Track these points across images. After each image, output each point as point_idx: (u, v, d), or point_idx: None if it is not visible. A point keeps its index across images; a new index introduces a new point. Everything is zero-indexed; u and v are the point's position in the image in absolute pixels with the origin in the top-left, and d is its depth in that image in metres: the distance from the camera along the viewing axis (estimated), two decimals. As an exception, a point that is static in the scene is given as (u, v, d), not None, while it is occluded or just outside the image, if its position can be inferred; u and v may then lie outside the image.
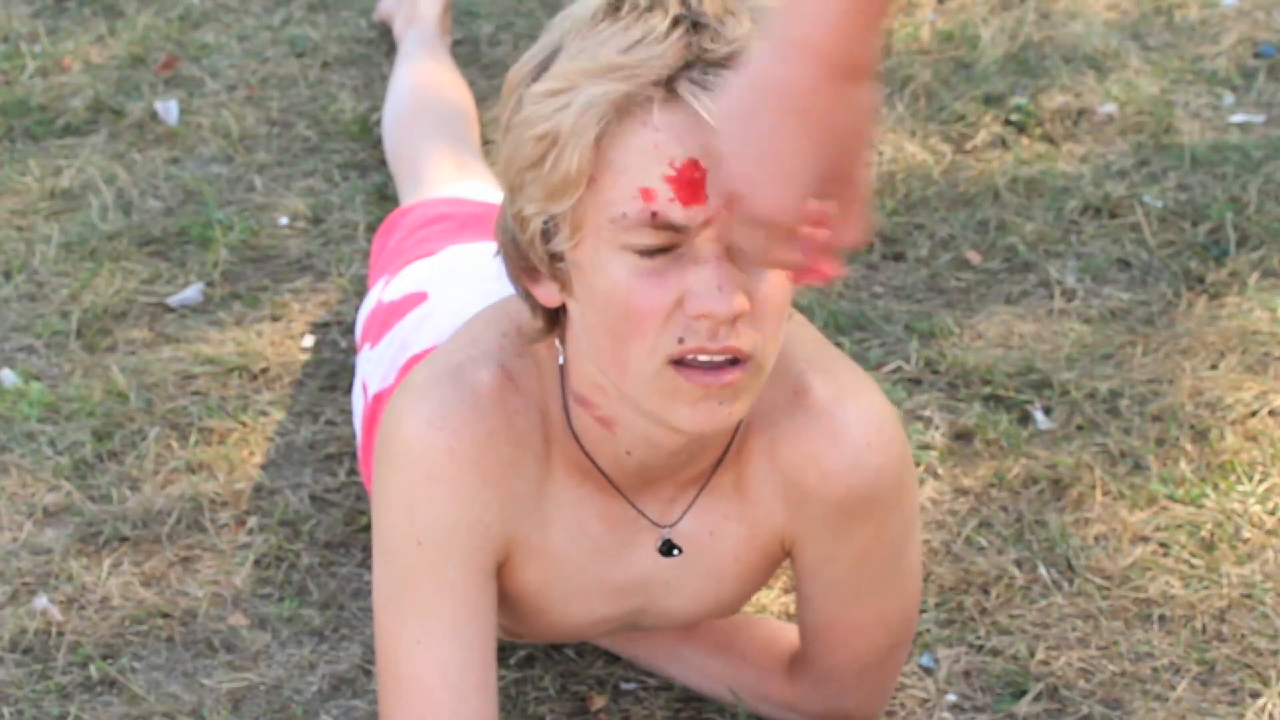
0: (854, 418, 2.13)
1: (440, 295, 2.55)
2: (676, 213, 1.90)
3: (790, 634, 2.43)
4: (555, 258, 1.98)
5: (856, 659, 2.31)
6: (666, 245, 1.92)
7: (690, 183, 1.89)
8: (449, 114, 3.41)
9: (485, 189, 3.10)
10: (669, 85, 1.90)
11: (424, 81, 3.50)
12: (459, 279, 2.55)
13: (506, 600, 2.25)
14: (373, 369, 2.59)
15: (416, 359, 2.40)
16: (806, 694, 2.38)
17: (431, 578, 2.12)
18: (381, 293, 2.72)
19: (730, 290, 1.91)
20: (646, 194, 1.90)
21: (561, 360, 2.08)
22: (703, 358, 1.94)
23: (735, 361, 1.95)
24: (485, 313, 2.18)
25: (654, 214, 1.90)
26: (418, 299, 2.60)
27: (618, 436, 2.09)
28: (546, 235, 1.97)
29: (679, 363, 1.95)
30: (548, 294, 2.03)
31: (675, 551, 2.19)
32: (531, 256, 1.99)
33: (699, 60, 1.89)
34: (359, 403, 2.65)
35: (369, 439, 2.55)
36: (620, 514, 2.18)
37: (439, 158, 3.22)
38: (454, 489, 2.10)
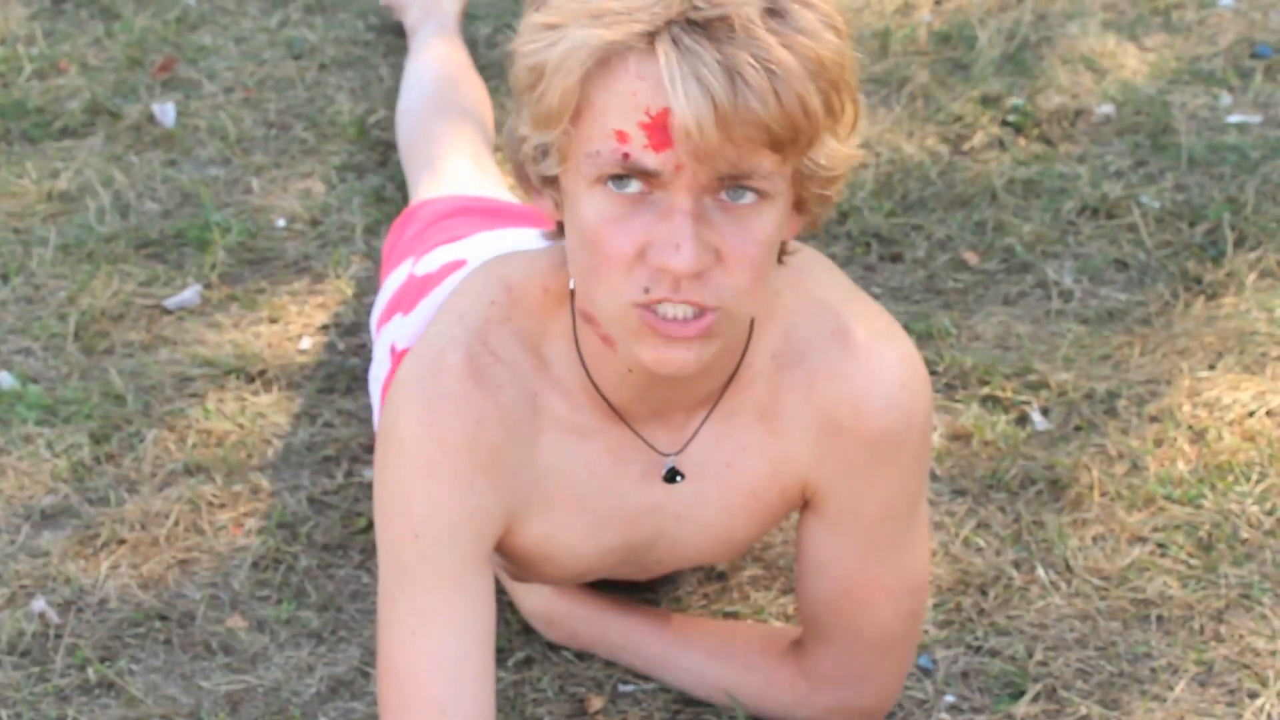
0: (890, 359, 2.18)
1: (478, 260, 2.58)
2: (649, 159, 1.93)
3: (789, 633, 2.43)
4: (549, 180, 2.03)
5: (881, 627, 2.31)
6: (636, 175, 1.95)
7: (663, 128, 1.93)
8: (471, 109, 3.42)
9: (499, 190, 3.12)
10: (651, 38, 1.93)
11: (449, 74, 3.50)
12: (497, 251, 2.56)
13: (511, 555, 2.27)
14: (404, 332, 2.61)
15: None
16: (821, 685, 2.38)
17: (428, 569, 2.14)
18: (413, 268, 2.74)
19: (691, 248, 1.94)
20: (621, 136, 1.94)
21: (573, 284, 2.13)
22: (668, 310, 1.98)
23: (704, 312, 1.98)
24: (475, 279, 2.21)
25: (626, 155, 1.94)
26: (456, 265, 2.63)
27: (619, 355, 2.12)
28: (538, 159, 2.02)
29: (645, 307, 1.99)
30: (547, 208, 2.08)
31: (679, 478, 2.21)
32: (529, 174, 2.05)
33: (683, 17, 1.92)
34: (383, 369, 2.65)
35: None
36: (629, 443, 2.20)
37: (459, 152, 3.24)
38: (449, 481, 2.13)
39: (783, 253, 2.10)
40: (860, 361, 2.17)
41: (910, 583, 2.30)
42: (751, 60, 1.89)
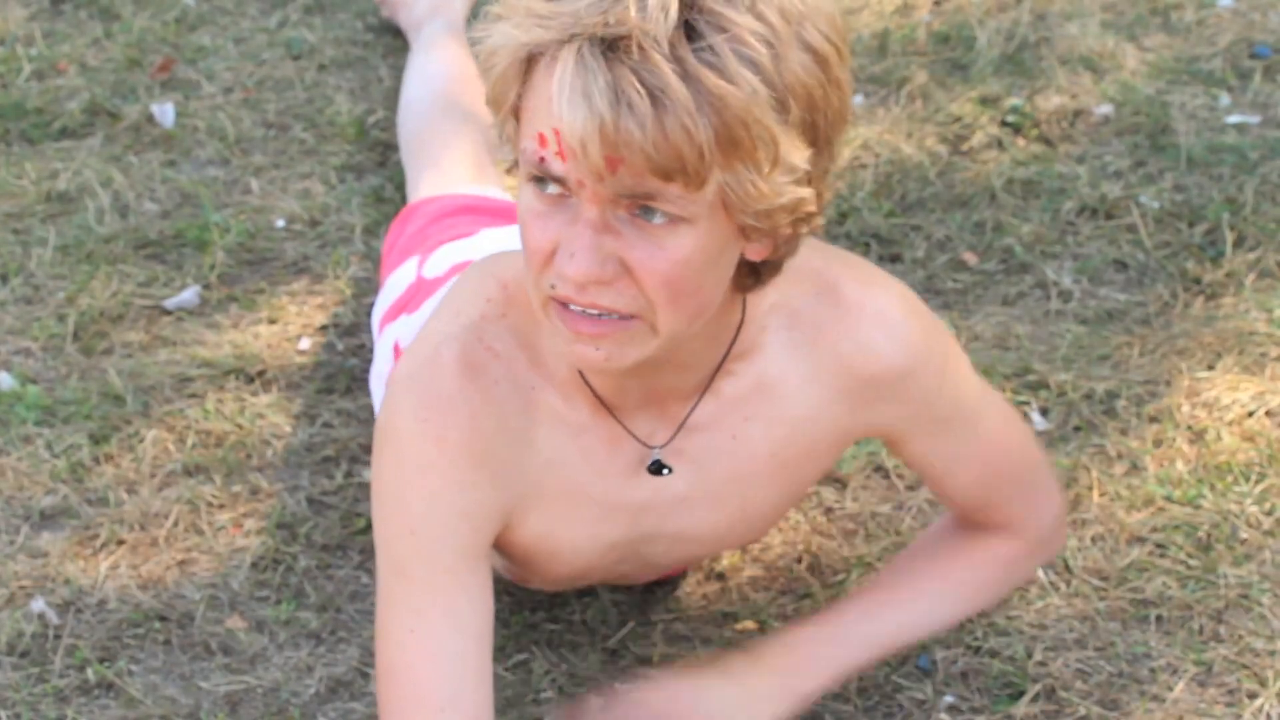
0: (884, 300, 2.22)
1: None
2: (558, 166, 1.94)
3: (954, 528, 2.48)
4: (515, 166, 2.05)
5: (1022, 462, 2.40)
6: (550, 179, 1.96)
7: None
8: (476, 112, 3.42)
9: (498, 193, 3.12)
10: (562, 47, 1.92)
11: (458, 73, 3.50)
12: (504, 247, 2.57)
13: (514, 553, 2.28)
14: (408, 331, 2.63)
15: None
16: (1025, 530, 2.44)
17: (425, 566, 2.14)
18: (420, 269, 2.75)
19: (585, 258, 1.95)
20: (541, 139, 1.94)
21: None
22: (574, 306, 1.99)
23: (628, 318, 1.99)
24: (471, 276, 2.22)
25: (541, 159, 1.95)
26: (463, 268, 2.63)
27: None
28: (498, 143, 2.05)
29: (557, 300, 2.01)
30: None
31: (665, 470, 2.22)
32: (496, 158, 2.05)
33: (590, 32, 1.90)
34: (386, 366, 2.66)
35: None
36: (623, 435, 2.22)
37: (462, 153, 3.24)
38: (445, 477, 2.13)
39: (765, 273, 2.08)
40: (857, 313, 2.20)
41: (1013, 433, 2.39)
42: (638, 84, 1.87)
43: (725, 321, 2.15)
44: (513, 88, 1.97)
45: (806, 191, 1.97)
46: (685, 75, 1.88)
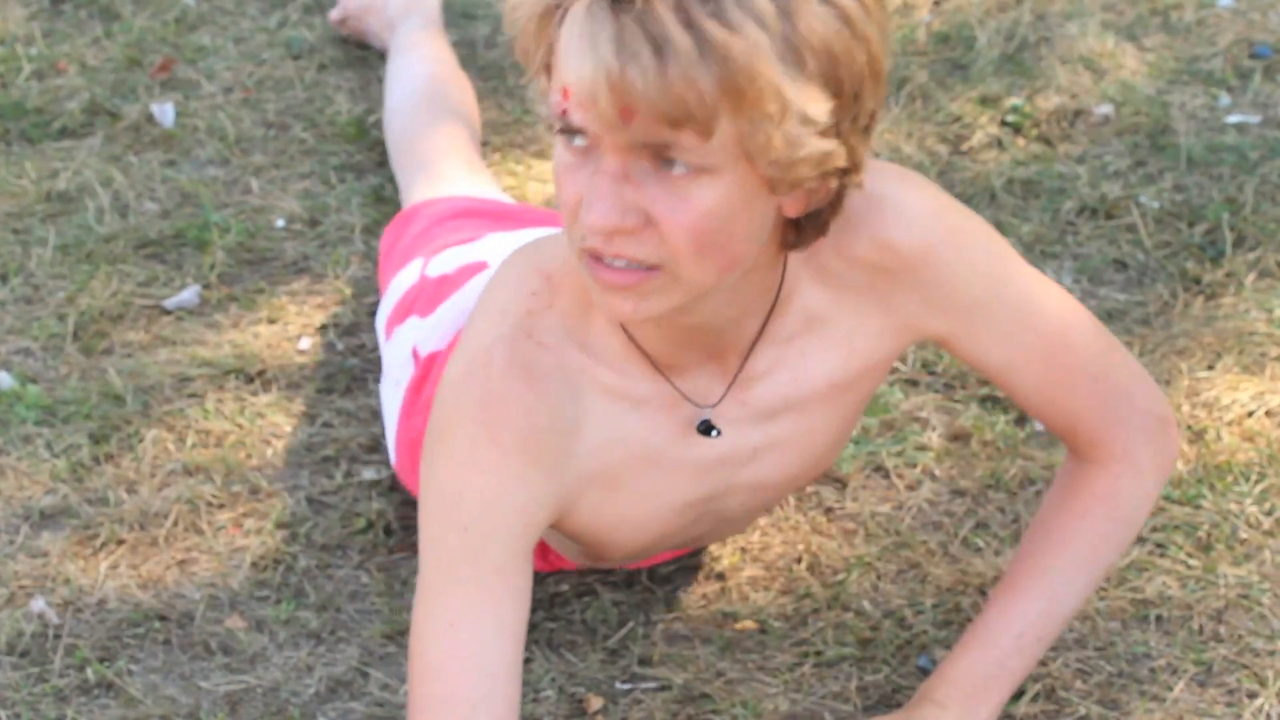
0: (885, 187, 2.18)
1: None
2: (577, 116, 1.95)
3: (1068, 480, 2.39)
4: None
5: (1091, 380, 2.30)
6: (575, 131, 1.97)
7: None
8: (462, 109, 3.42)
9: (493, 190, 3.12)
10: None
11: (441, 72, 3.50)
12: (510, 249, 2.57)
13: (584, 536, 2.29)
14: (425, 335, 2.62)
15: None
16: (1135, 446, 2.35)
17: (474, 564, 2.15)
18: (424, 269, 2.75)
19: (604, 208, 1.96)
20: (565, 92, 1.95)
21: None
22: (606, 259, 2.00)
23: (651, 268, 1.99)
24: (510, 270, 2.21)
25: (564, 110, 1.96)
26: (476, 268, 2.63)
27: None
28: (538, 100, 2.04)
29: (589, 253, 2.01)
30: None
31: (714, 433, 2.23)
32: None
33: None
34: (404, 372, 2.65)
35: (414, 402, 2.60)
36: (681, 397, 2.22)
37: (452, 153, 3.24)
38: (503, 475, 2.14)
39: (808, 229, 2.07)
40: (860, 212, 2.16)
41: (1077, 317, 2.29)
42: (642, 35, 1.89)
43: (773, 276, 2.15)
44: (537, 44, 1.98)
45: (831, 145, 1.97)
46: (688, 24, 1.89)
